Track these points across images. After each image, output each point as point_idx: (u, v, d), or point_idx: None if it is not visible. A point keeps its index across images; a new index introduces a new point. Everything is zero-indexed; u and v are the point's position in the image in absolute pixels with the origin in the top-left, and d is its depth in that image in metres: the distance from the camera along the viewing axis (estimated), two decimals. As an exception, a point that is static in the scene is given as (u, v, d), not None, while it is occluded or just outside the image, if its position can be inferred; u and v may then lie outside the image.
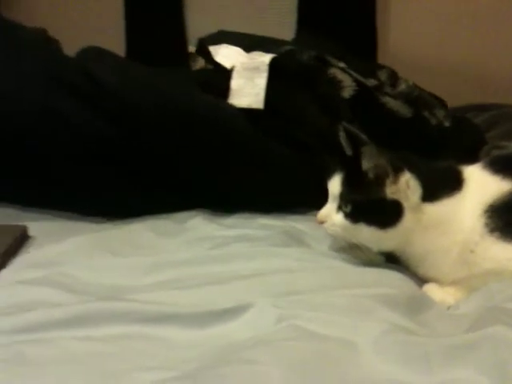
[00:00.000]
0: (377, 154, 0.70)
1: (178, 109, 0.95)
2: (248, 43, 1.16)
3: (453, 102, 1.46)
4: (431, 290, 0.73)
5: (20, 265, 0.76)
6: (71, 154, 0.93)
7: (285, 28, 2.64)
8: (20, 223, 0.88)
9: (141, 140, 0.91)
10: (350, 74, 1.06)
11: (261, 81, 1.04)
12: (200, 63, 1.27)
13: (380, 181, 0.71)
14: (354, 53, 1.31)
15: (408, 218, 0.71)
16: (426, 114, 1.19)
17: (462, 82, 2.17)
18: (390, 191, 0.71)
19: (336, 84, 1.03)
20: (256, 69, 1.06)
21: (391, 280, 0.69)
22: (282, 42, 1.25)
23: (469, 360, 0.49)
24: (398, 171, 0.71)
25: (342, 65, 1.10)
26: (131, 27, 3.21)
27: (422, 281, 0.74)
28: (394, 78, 1.33)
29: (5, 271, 0.73)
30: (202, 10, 3.02)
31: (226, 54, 1.12)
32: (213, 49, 1.14)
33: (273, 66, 1.02)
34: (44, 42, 1.08)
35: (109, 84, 0.93)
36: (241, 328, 0.56)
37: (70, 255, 0.77)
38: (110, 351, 0.52)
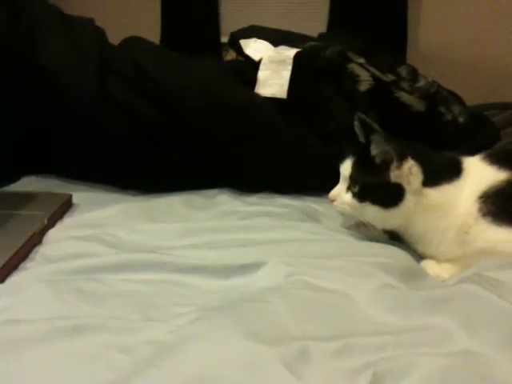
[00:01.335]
0: (384, 141, 0.78)
1: (216, 94, 1.04)
2: (276, 38, 1.25)
3: (479, 99, 1.52)
4: (428, 264, 0.80)
5: (67, 225, 0.86)
6: (120, 134, 1.04)
7: (317, 22, 2.72)
8: (66, 192, 0.99)
9: (182, 121, 1.01)
10: (368, 70, 1.15)
11: (285, 73, 1.14)
12: (231, 54, 1.38)
13: (386, 166, 0.79)
14: (383, 48, 1.38)
15: (409, 200, 0.79)
16: (441, 109, 1.25)
17: (490, 80, 2.21)
18: (394, 175, 0.79)
19: (354, 78, 1.12)
20: (282, 62, 1.15)
21: (392, 252, 0.78)
22: (309, 38, 1.33)
23: (442, 309, 0.59)
24: (402, 158, 0.79)
25: (361, 60, 1.18)
26: (167, 18, 3.33)
27: (421, 258, 0.81)
28: (414, 74, 1.40)
29: (53, 230, 0.84)
30: (235, 3, 3.12)
31: (255, 48, 1.22)
32: (243, 42, 1.23)
33: (297, 60, 1.12)
34: (95, 33, 1.20)
35: (152, 71, 1.04)
36: (257, 279, 0.67)
37: (112, 219, 0.87)
38: (149, 291, 0.64)
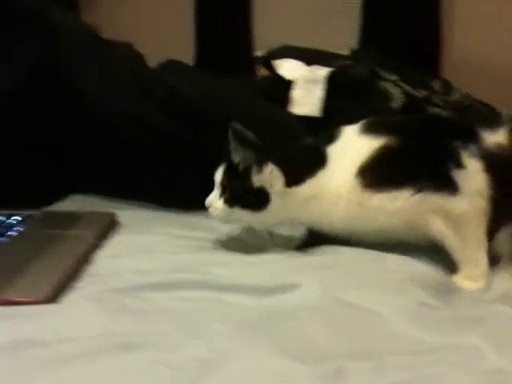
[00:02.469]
0: (242, 148, 0.83)
1: (249, 117, 1.08)
2: (308, 57, 1.29)
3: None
4: (458, 280, 0.80)
5: (112, 244, 0.90)
6: (154, 156, 1.09)
7: (347, 34, 2.74)
8: (110, 211, 1.04)
9: (215, 144, 1.06)
10: (400, 86, 1.18)
11: (318, 92, 1.17)
12: (263, 71, 1.42)
13: (248, 172, 0.83)
14: (416, 60, 1.40)
15: (276, 202, 0.83)
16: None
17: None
18: (256, 180, 0.83)
19: (386, 96, 1.15)
20: (314, 81, 1.19)
21: (424, 266, 0.79)
22: (341, 57, 1.37)
23: (475, 328, 0.61)
24: (261, 163, 0.83)
25: (393, 78, 1.21)
26: (200, 36, 3.39)
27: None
28: (447, 87, 1.41)
29: (99, 249, 0.88)
30: (267, 17, 3.16)
31: (288, 68, 1.26)
32: (276, 62, 1.27)
33: (330, 79, 1.15)
34: (131, 56, 1.26)
35: (188, 95, 1.09)
36: (292, 298, 0.69)
37: (154, 236, 0.93)
38: (190, 308, 0.67)
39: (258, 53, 2.93)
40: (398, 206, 0.79)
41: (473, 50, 2.41)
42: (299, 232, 0.92)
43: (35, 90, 1.08)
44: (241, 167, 0.84)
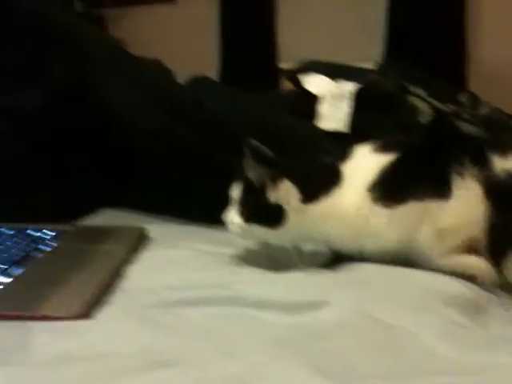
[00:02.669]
0: (257, 165, 0.84)
1: (268, 132, 1.10)
2: (335, 72, 1.30)
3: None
4: None
5: (143, 259, 0.92)
6: (179, 167, 1.11)
7: (372, 49, 2.74)
8: (140, 225, 1.05)
9: (234, 157, 1.08)
10: (428, 102, 1.18)
11: (345, 107, 1.18)
12: (288, 84, 1.43)
13: (263, 189, 0.84)
14: (443, 72, 1.40)
15: (292, 219, 0.84)
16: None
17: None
18: (273, 197, 0.84)
19: (414, 111, 1.15)
20: (342, 96, 1.20)
21: (458, 285, 0.79)
22: (367, 71, 1.37)
23: (509, 349, 0.61)
24: (276, 180, 0.83)
25: (420, 92, 1.21)
26: (225, 49, 3.43)
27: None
28: (474, 100, 1.41)
29: (131, 264, 0.89)
30: (292, 28, 3.18)
31: (314, 82, 1.27)
32: (303, 77, 1.29)
33: (358, 94, 1.16)
34: (159, 72, 1.28)
35: (210, 110, 1.11)
36: (324, 316, 0.69)
37: (185, 251, 0.94)
38: (223, 325, 0.68)
39: (283, 65, 2.95)
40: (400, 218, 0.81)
41: (499, 62, 2.39)
42: (324, 248, 0.93)
43: (63, 105, 1.11)
44: (256, 184, 0.85)
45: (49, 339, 0.63)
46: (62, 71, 1.11)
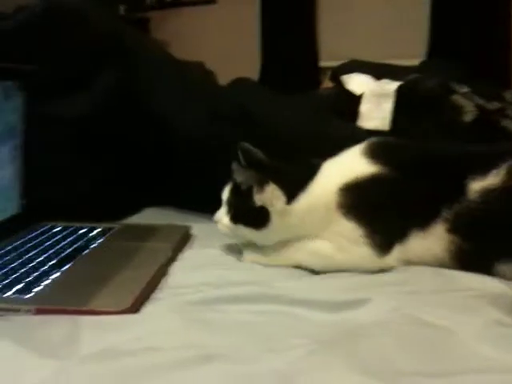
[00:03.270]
0: (243, 169, 0.87)
1: (312, 135, 1.11)
2: (377, 71, 1.29)
3: None
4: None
5: (187, 257, 0.95)
6: (222, 169, 1.13)
7: (415, 47, 2.71)
8: (185, 224, 1.09)
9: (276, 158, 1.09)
10: (472, 99, 1.16)
11: (387, 106, 1.17)
12: (328, 83, 1.43)
13: (250, 191, 0.87)
14: (486, 71, 1.37)
15: (276, 220, 0.86)
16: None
17: None
18: (258, 199, 0.86)
19: (457, 110, 1.14)
20: (384, 95, 1.19)
21: (496, 285, 0.78)
22: (409, 70, 1.36)
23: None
24: (262, 183, 0.86)
25: (464, 90, 1.19)
26: (266, 44, 3.43)
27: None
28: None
29: (176, 261, 0.93)
30: (333, 27, 3.17)
31: (356, 82, 1.26)
32: (345, 77, 1.29)
33: (400, 93, 1.15)
34: (204, 77, 1.31)
35: (256, 114, 1.12)
36: (363, 314, 0.70)
37: (227, 249, 0.96)
38: (264, 322, 0.69)
39: (324, 64, 2.94)
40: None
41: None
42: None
43: (112, 113, 1.15)
44: (243, 187, 0.88)
45: (96, 333, 0.66)
46: (113, 78, 1.15)
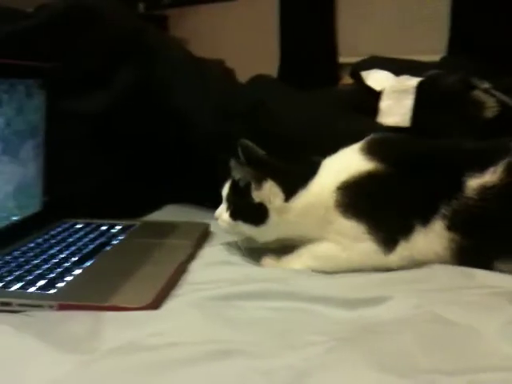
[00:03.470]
0: (241, 166, 0.87)
1: (331, 132, 1.10)
2: (397, 67, 1.28)
3: None
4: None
5: (207, 254, 0.96)
6: None
7: (437, 41, 2.68)
8: (204, 221, 1.09)
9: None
10: (494, 95, 1.14)
11: (408, 102, 1.16)
12: (347, 79, 1.42)
13: (248, 188, 0.87)
14: (508, 67, 1.35)
15: (274, 217, 0.86)
16: None
17: None
18: (256, 196, 0.86)
19: (478, 105, 1.12)
20: (404, 91, 1.18)
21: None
22: (429, 65, 1.35)
23: None
24: (260, 180, 0.86)
25: (486, 85, 1.18)
26: (286, 45, 3.43)
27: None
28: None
29: (196, 258, 0.93)
30: (352, 22, 3.15)
31: (376, 78, 1.26)
32: (365, 73, 1.28)
33: (420, 89, 1.14)
34: (222, 75, 1.31)
35: (275, 111, 1.12)
36: (383, 311, 0.70)
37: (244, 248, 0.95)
38: (282, 318, 0.70)
39: (344, 60, 2.92)
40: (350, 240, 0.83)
41: None
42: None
43: (131, 109, 1.16)
44: (241, 183, 0.88)
45: (117, 329, 0.67)
46: (132, 75, 1.16)
